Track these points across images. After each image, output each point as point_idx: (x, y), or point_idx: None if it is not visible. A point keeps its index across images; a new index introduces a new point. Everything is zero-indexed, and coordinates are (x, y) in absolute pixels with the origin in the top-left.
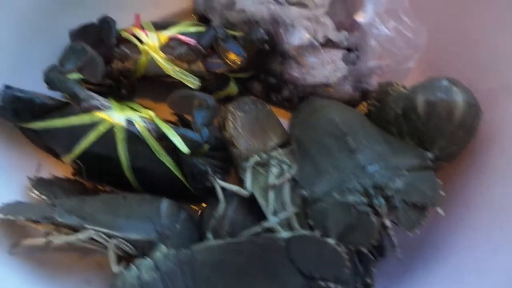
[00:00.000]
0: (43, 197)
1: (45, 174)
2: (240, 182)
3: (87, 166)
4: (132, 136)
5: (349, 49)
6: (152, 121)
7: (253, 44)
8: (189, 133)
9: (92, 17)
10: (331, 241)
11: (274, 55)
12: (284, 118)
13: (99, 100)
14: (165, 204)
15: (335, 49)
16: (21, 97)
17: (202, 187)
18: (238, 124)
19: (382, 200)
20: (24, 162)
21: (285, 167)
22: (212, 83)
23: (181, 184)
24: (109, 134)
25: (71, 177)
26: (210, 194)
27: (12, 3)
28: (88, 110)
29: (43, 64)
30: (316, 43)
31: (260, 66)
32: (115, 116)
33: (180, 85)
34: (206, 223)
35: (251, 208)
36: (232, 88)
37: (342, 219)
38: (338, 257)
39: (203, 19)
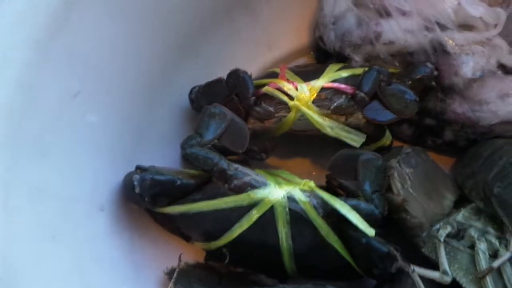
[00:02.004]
0: None
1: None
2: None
3: (233, 253)
4: (296, 217)
5: None
6: (314, 195)
7: (421, 82)
8: (361, 204)
9: (205, 71)
10: None
11: (432, 92)
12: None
13: (250, 174)
14: None
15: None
16: (161, 181)
17: (379, 273)
18: (407, 183)
19: None
20: (157, 248)
21: (493, 239)
22: (367, 134)
23: (348, 268)
24: (268, 216)
25: (202, 261)
26: (384, 280)
27: (126, 73)
28: (241, 189)
29: (165, 131)
30: (497, 72)
31: None
32: (274, 193)
33: (316, 136)
34: None
35: None
36: (388, 137)
37: None
38: None
39: (324, 56)
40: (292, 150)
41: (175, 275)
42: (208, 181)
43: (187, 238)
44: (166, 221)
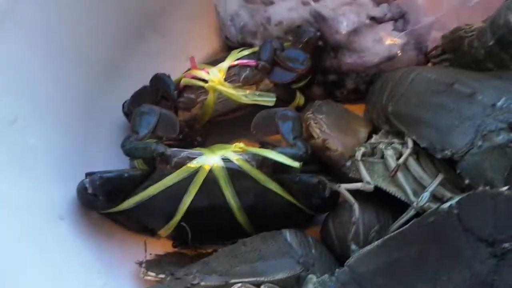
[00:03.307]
0: (161, 275)
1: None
2: None
3: (193, 227)
4: (234, 174)
5: (393, 20)
6: (246, 152)
7: (309, 44)
8: (286, 150)
9: (131, 86)
10: (504, 189)
11: (325, 53)
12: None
13: (186, 151)
14: (288, 234)
15: (382, 23)
16: (109, 177)
17: (319, 202)
18: (323, 126)
19: None
20: (125, 248)
21: (397, 145)
22: (280, 98)
23: (294, 209)
24: (210, 180)
25: (171, 250)
26: (326, 208)
27: (61, 96)
28: (181, 164)
29: (106, 144)
30: (367, 21)
31: (316, 68)
32: (210, 159)
33: (248, 114)
34: (342, 235)
35: (374, 205)
36: (300, 98)
37: (502, 163)
38: None
39: None
40: (224, 137)
41: (145, 259)
42: (154, 169)
43: (152, 232)
44: (127, 219)
